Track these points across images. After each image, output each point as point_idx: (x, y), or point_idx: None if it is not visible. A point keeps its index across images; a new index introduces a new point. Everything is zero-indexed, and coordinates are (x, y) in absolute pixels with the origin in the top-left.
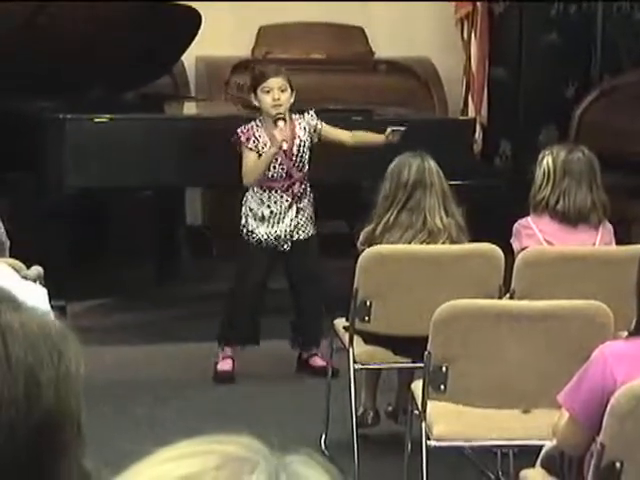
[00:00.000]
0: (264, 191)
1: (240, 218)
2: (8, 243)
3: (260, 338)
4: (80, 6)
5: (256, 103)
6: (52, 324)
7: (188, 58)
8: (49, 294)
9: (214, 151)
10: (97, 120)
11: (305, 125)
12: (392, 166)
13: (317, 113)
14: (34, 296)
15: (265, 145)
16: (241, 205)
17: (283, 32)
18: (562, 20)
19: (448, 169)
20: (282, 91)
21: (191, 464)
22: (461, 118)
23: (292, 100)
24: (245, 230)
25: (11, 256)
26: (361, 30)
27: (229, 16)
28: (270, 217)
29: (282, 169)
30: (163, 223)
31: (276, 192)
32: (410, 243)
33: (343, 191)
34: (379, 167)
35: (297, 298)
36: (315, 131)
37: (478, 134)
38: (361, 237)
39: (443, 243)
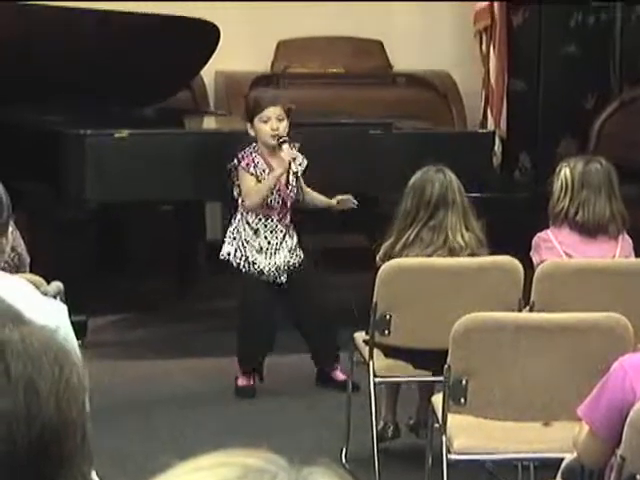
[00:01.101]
0: (259, 220)
1: (236, 251)
2: (28, 259)
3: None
4: (101, 21)
5: (252, 132)
6: (52, 338)
7: (207, 73)
8: (69, 309)
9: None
10: (117, 135)
11: (295, 156)
12: (414, 181)
13: (337, 125)
14: (55, 312)
15: (263, 172)
16: (233, 239)
17: (302, 46)
18: (581, 31)
19: (468, 182)
20: (280, 120)
21: (212, 475)
22: (480, 131)
23: (287, 129)
24: (246, 262)
25: (31, 271)
26: (380, 44)
27: (248, 30)
28: (268, 248)
29: (279, 196)
30: (183, 238)
31: (272, 221)
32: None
33: (362, 204)
34: (398, 180)
35: (304, 323)
36: (300, 165)
37: (497, 147)
38: (381, 252)
39: None
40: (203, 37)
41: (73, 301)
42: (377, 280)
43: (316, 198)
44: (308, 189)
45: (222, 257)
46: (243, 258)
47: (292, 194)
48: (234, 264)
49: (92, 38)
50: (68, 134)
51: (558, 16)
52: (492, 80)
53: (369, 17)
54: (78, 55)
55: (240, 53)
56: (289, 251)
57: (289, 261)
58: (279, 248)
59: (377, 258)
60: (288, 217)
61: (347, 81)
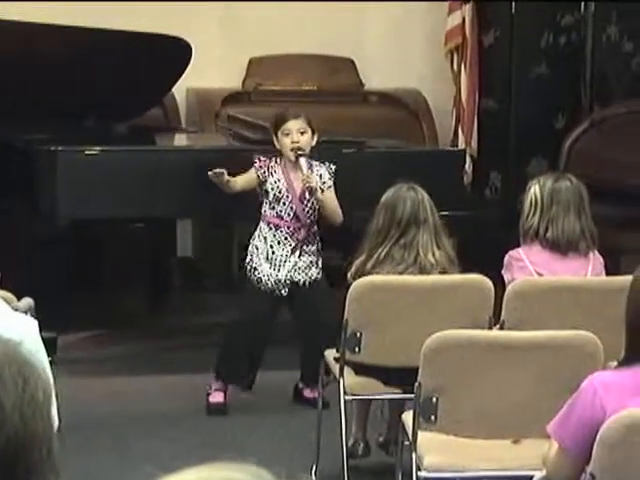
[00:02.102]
0: (270, 229)
1: (245, 255)
2: None
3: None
4: (72, 36)
5: (277, 145)
6: (16, 351)
7: (179, 89)
8: (40, 325)
9: (205, 183)
10: (88, 152)
11: (321, 173)
12: (386, 198)
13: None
14: (25, 328)
15: (278, 181)
16: (248, 242)
17: (274, 64)
18: (551, 51)
19: (438, 200)
20: (301, 133)
21: None
22: (451, 149)
23: (314, 142)
24: (249, 267)
25: (2, 287)
26: (351, 62)
27: (220, 47)
28: (272, 258)
29: (291, 209)
30: (154, 254)
31: (281, 232)
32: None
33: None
34: (370, 197)
35: (304, 335)
36: (323, 184)
37: (468, 165)
38: (352, 269)
39: None
40: (175, 54)
41: (44, 317)
42: (348, 297)
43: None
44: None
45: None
46: (248, 262)
47: (309, 209)
48: (246, 270)
49: (62, 54)
50: (40, 150)
51: (529, 36)
52: (463, 99)
53: (341, 35)
54: (50, 72)
55: (212, 70)
56: (295, 267)
57: (292, 277)
58: (284, 262)
59: (348, 275)
60: (303, 233)
61: (319, 99)
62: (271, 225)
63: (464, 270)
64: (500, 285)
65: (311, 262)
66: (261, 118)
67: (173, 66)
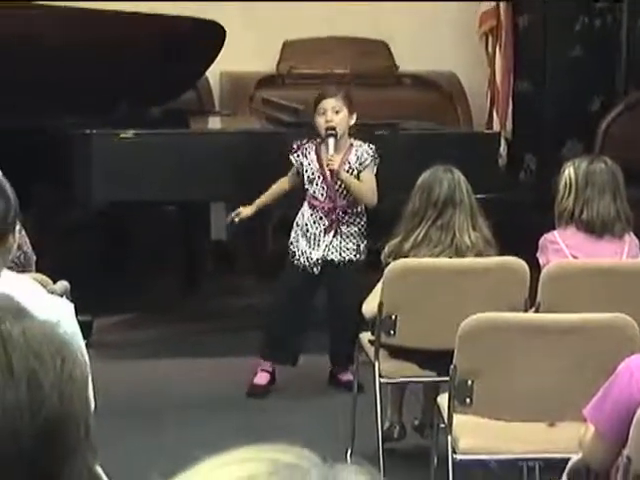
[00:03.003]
0: (309, 207)
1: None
2: (34, 258)
3: (298, 358)
4: (106, 20)
5: (316, 125)
6: (54, 331)
7: (212, 73)
8: (75, 308)
9: (239, 166)
10: (122, 136)
11: (360, 154)
12: (422, 180)
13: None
14: (61, 311)
15: (311, 162)
16: (282, 225)
17: (307, 47)
18: (586, 34)
19: (473, 183)
20: (336, 112)
21: (244, 469)
22: (486, 132)
23: (352, 121)
24: (290, 240)
25: (37, 270)
26: (385, 44)
27: (253, 31)
28: (309, 237)
29: (323, 189)
30: (188, 238)
31: (317, 212)
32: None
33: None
34: (403, 181)
35: (330, 318)
36: (361, 164)
37: (503, 148)
38: (386, 249)
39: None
40: (209, 37)
41: (79, 301)
42: (382, 280)
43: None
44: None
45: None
46: (292, 238)
47: (342, 191)
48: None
49: (97, 39)
50: (74, 134)
51: (564, 18)
52: (498, 81)
53: (375, 17)
54: (85, 56)
55: (245, 54)
56: (330, 247)
57: (326, 257)
58: (318, 241)
59: (382, 256)
60: (338, 214)
61: (353, 82)
62: (310, 204)
63: (499, 253)
64: (535, 268)
65: (348, 243)
66: (295, 101)
67: (207, 50)
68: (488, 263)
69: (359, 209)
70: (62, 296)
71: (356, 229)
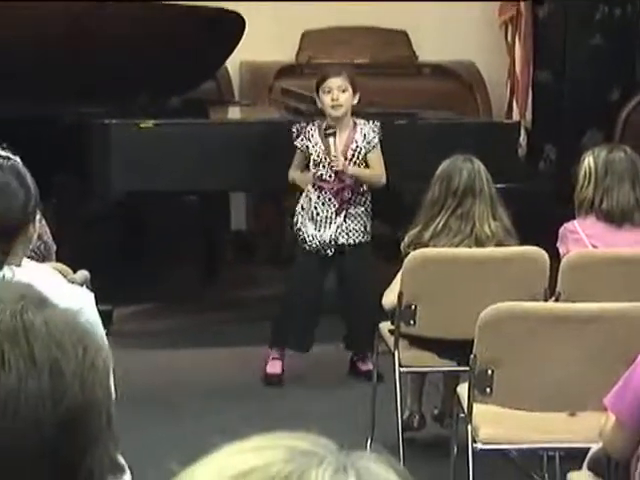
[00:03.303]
0: (315, 189)
1: (293, 217)
2: (54, 247)
3: (312, 346)
4: (126, 11)
5: (319, 104)
6: (76, 320)
7: (232, 63)
8: (96, 298)
9: (258, 156)
10: (142, 125)
11: (366, 132)
12: (442, 170)
13: (361, 116)
14: (82, 300)
15: (316, 145)
16: (296, 203)
17: (326, 37)
18: (606, 23)
19: (493, 173)
20: (342, 91)
21: (260, 457)
22: (506, 121)
23: (355, 101)
24: (296, 228)
25: (57, 260)
26: (404, 34)
27: (273, 21)
28: (317, 220)
29: (332, 169)
30: (208, 228)
31: (325, 194)
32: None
33: (386, 194)
34: (422, 170)
35: (343, 303)
36: (369, 143)
37: (522, 138)
38: (406, 239)
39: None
40: (228, 27)
41: (99, 290)
42: (402, 270)
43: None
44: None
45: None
46: (296, 223)
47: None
48: (294, 230)
49: (117, 29)
50: (93, 124)
51: (583, 8)
52: (517, 71)
53: (394, 7)
54: (105, 46)
55: (265, 43)
56: (341, 229)
57: (337, 238)
58: (329, 223)
59: (402, 246)
60: (346, 193)
61: (372, 71)
62: (316, 186)
63: (519, 243)
64: (555, 258)
65: (357, 225)
66: (314, 91)
67: (226, 39)
68: (508, 253)
69: (365, 187)
70: (82, 285)
71: (362, 209)
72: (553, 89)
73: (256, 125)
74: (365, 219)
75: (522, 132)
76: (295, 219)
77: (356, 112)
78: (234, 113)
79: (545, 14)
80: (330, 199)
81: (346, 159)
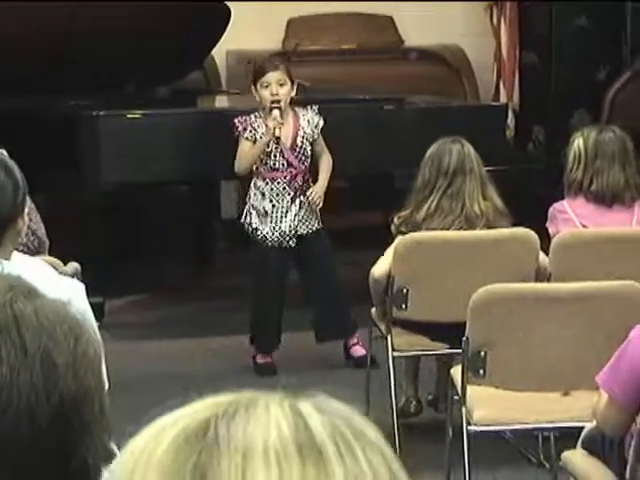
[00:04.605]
0: (266, 183)
1: (245, 216)
2: (47, 243)
3: (281, 338)
4: (110, 3)
5: (257, 98)
6: (66, 310)
7: (219, 52)
8: (87, 290)
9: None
10: (130, 116)
11: (309, 118)
12: (431, 152)
13: (348, 102)
14: (72, 292)
15: (264, 135)
16: (245, 202)
17: (312, 24)
18: (592, 3)
19: (482, 155)
20: (281, 85)
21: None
22: (493, 104)
23: (293, 93)
24: (250, 228)
25: (49, 253)
26: (390, 19)
27: (258, 9)
28: (273, 212)
29: (283, 158)
30: (199, 217)
31: (278, 184)
32: (448, 230)
33: (376, 180)
34: (411, 155)
35: (310, 292)
36: (316, 127)
37: (510, 120)
38: (396, 220)
39: (480, 229)
40: (214, 16)
41: (90, 282)
42: (393, 254)
43: (320, 172)
44: (324, 157)
45: (242, 223)
46: (248, 224)
47: (302, 156)
48: (246, 230)
49: (106, 20)
50: (82, 116)
51: None
52: (504, 53)
53: None
54: (92, 38)
55: (251, 32)
56: (298, 218)
57: (296, 227)
58: (285, 213)
59: (392, 228)
60: (299, 180)
61: (358, 57)
62: (267, 179)
63: (512, 223)
64: (545, 238)
65: (311, 212)
66: (301, 78)
67: (212, 29)
68: (498, 235)
69: (309, 172)
70: (73, 277)
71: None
72: (540, 71)
73: (244, 113)
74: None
75: (510, 114)
76: (247, 219)
77: (344, 99)
78: (222, 102)
79: None
80: (284, 188)
81: (296, 147)
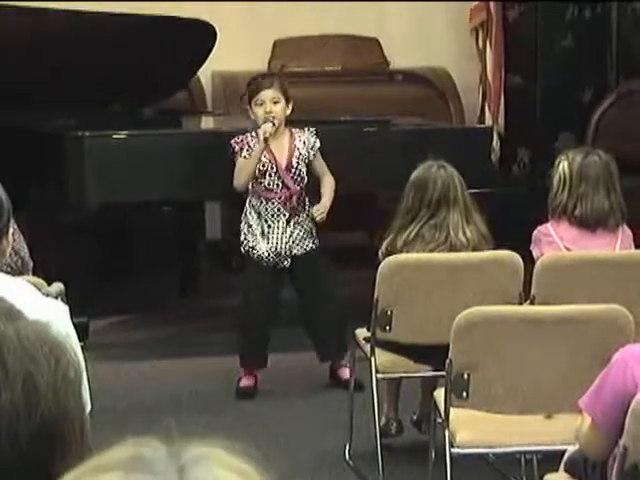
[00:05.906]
0: (261, 203)
1: (241, 233)
2: (31, 264)
3: (268, 358)
4: (97, 22)
5: (252, 116)
6: (46, 331)
7: (204, 73)
8: (71, 311)
9: (232, 165)
10: (115, 136)
11: (305, 140)
12: (416, 177)
13: (333, 124)
14: (56, 313)
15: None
16: (240, 221)
17: (298, 45)
18: (577, 24)
19: (467, 177)
20: (275, 103)
21: None
22: (479, 126)
23: (289, 111)
24: (246, 247)
25: (33, 273)
26: (376, 41)
27: (244, 30)
28: (269, 232)
29: (278, 178)
30: (183, 238)
31: (273, 204)
32: None
33: (361, 201)
34: (396, 177)
35: (306, 313)
36: (312, 148)
37: (496, 142)
38: (383, 247)
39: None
40: (200, 37)
41: (74, 303)
42: (377, 276)
43: (323, 193)
44: (327, 178)
45: (239, 242)
46: (245, 243)
47: (297, 177)
48: (242, 250)
49: (87, 40)
50: (67, 136)
51: (554, 9)
52: (489, 76)
53: (365, 14)
54: (75, 57)
55: (237, 53)
56: (292, 239)
57: (291, 248)
58: (281, 234)
59: (379, 253)
60: (294, 201)
61: (344, 79)
62: (262, 199)
63: (493, 247)
64: (529, 261)
65: (305, 232)
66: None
67: (198, 50)
68: (482, 257)
69: (305, 196)
70: (57, 298)
71: (305, 214)
72: (525, 93)
73: (229, 134)
74: (310, 223)
75: (495, 137)
76: (242, 238)
77: (329, 120)
78: (207, 123)
79: (515, 17)
80: (279, 209)
81: (292, 168)
